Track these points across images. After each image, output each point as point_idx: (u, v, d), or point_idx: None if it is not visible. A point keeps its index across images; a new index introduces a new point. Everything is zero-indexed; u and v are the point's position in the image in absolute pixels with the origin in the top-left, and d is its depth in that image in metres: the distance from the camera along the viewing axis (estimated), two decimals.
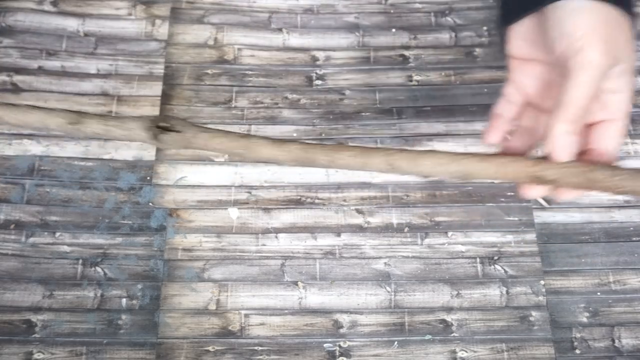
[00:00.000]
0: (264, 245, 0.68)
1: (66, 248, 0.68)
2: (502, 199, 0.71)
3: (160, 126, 0.43)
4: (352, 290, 0.67)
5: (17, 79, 0.76)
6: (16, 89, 0.76)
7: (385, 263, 0.68)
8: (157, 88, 0.77)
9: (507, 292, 0.67)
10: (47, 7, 0.80)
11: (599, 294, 0.67)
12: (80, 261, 0.68)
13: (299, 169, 0.73)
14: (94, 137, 0.52)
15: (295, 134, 0.75)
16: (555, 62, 0.35)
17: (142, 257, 0.68)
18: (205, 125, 0.76)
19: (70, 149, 0.72)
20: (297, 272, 0.68)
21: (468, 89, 0.78)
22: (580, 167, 0.35)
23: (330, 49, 0.80)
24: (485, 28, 0.83)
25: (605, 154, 0.36)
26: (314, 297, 0.67)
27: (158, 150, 0.73)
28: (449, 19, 0.83)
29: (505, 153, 0.40)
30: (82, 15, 0.80)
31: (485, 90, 0.78)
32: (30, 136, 0.73)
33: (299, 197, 0.71)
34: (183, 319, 0.65)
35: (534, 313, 0.66)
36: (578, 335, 0.65)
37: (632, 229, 0.70)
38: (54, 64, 0.78)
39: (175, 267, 0.68)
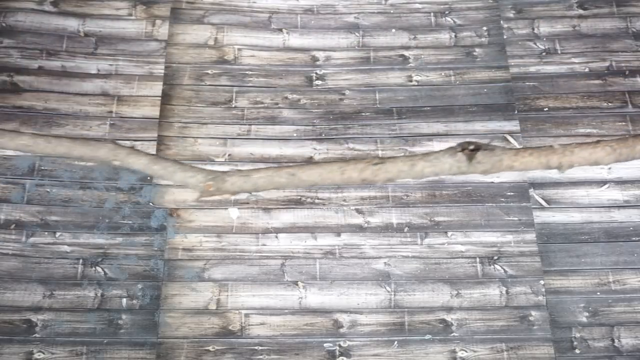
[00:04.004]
0: (264, 245, 0.69)
1: (66, 248, 0.68)
2: (502, 199, 0.71)
3: (471, 148, 0.50)
4: (352, 290, 0.67)
5: (18, 79, 0.76)
6: (17, 89, 0.76)
7: (385, 263, 0.68)
8: (157, 88, 0.77)
9: (507, 292, 0.67)
10: (48, 7, 0.80)
11: (598, 293, 0.67)
12: (81, 261, 0.68)
13: None
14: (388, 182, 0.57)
15: (295, 134, 0.75)
16: None
17: (142, 257, 0.68)
18: (206, 125, 0.77)
19: None
20: (297, 272, 0.68)
21: (468, 89, 0.78)
22: None
23: (330, 49, 0.80)
24: (485, 28, 0.83)
25: None
26: (314, 297, 0.67)
27: (158, 150, 0.73)
28: (448, 19, 0.83)
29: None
30: (82, 16, 0.80)
31: (485, 90, 0.78)
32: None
33: (299, 197, 0.71)
34: (183, 318, 0.65)
35: (533, 313, 0.66)
36: (578, 335, 0.65)
37: (631, 229, 0.70)
38: (54, 64, 0.78)
39: (176, 267, 0.68)
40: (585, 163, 0.53)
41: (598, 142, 0.53)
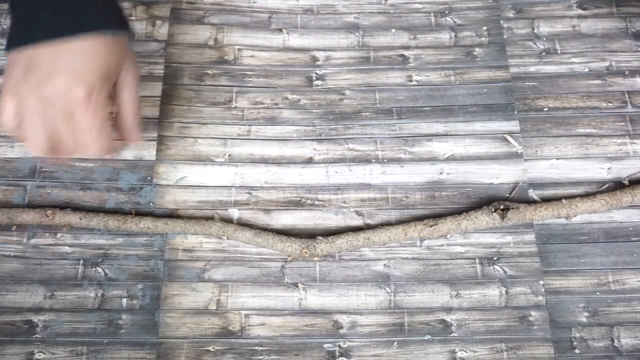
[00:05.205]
0: (265, 246, 0.69)
1: (67, 249, 0.69)
2: (501, 200, 0.71)
3: (502, 208, 0.66)
4: (351, 291, 0.67)
5: None
6: None
7: (384, 265, 0.69)
8: (157, 88, 0.77)
9: (507, 292, 0.67)
10: None
11: (598, 293, 0.67)
12: (81, 262, 0.68)
13: (299, 170, 0.74)
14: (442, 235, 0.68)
15: (295, 134, 0.75)
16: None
17: (142, 257, 0.69)
18: (206, 125, 0.77)
19: None
20: (297, 274, 0.68)
21: (468, 89, 0.78)
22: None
23: (330, 49, 0.80)
24: (485, 28, 0.83)
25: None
26: (314, 299, 0.67)
27: (158, 150, 0.73)
28: (448, 19, 0.83)
29: None
30: None
31: (485, 90, 0.78)
32: None
33: (299, 199, 0.71)
34: (183, 318, 0.66)
35: (533, 313, 0.66)
36: (577, 335, 0.65)
37: (631, 229, 0.70)
38: None
39: (176, 268, 0.68)
40: (585, 213, 0.68)
41: (595, 196, 0.68)
